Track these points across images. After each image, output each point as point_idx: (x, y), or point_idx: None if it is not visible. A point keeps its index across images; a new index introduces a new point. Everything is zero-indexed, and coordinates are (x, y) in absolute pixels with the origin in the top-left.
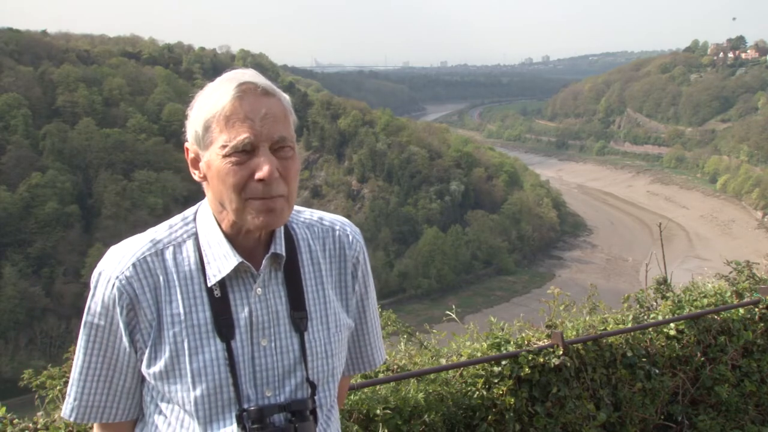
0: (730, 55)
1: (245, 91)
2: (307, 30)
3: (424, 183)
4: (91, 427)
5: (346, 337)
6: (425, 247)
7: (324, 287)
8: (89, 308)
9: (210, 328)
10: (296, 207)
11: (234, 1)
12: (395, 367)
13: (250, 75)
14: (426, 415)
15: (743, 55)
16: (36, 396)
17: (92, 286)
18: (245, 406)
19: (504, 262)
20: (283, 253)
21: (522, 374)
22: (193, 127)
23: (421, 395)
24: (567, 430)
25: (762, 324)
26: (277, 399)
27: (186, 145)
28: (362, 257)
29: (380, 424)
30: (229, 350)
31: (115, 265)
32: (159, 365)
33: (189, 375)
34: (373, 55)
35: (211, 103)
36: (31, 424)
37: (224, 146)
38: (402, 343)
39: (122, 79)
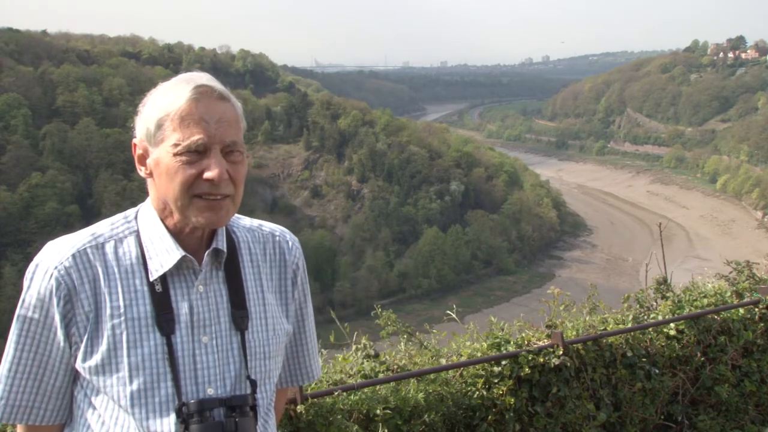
0: (730, 55)
1: (202, 93)
2: (307, 30)
3: (424, 183)
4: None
5: (283, 342)
6: (425, 247)
7: (264, 290)
8: (23, 301)
9: (150, 322)
10: (237, 215)
11: (234, 1)
12: (395, 367)
13: (206, 78)
14: (426, 415)
15: (743, 55)
16: None
17: (28, 278)
18: (185, 400)
19: (504, 262)
20: (224, 249)
21: (522, 374)
22: (144, 123)
23: (421, 395)
24: (567, 430)
25: (762, 324)
26: (218, 396)
27: (134, 140)
28: (301, 264)
29: (380, 424)
30: (170, 345)
31: (53, 256)
32: (95, 358)
33: (126, 368)
34: (373, 55)
35: (166, 101)
36: None
37: (176, 145)
38: (402, 343)
39: (122, 79)
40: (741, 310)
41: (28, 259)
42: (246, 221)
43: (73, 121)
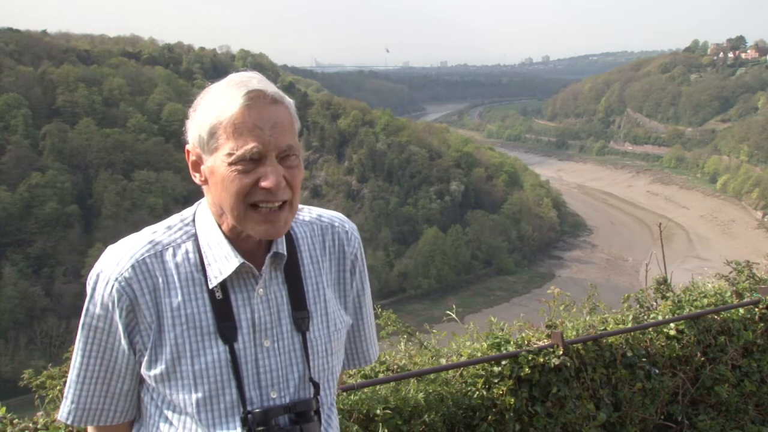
0: (730, 55)
1: (254, 98)
2: (307, 30)
3: (424, 183)
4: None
5: (344, 336)
6: (425, 247)
7: (324, 286)
8: (87, 310)
9: (212, 330)
10: None
11: (234, 1)
12: (395, 367)
13: (257, 81)
14: (426, 415)
15: (743, 55)
16: (36, 396)
17: (90, 287)
18: (249, 408)
19: (504, 262)
20: (285, 253)
21: (522, 374)
22: (197, 130)
23: (421, 395)
24: (567, 430)
25: (762, 324)
26: (282, 400)
27: (187, 147)
28: (360, 254)
29: (380, 424)
30: (232, 352)
31: (113, 267)
32: (159, 367)
33: (191, 377)
34: (373, 55)
35: (218, 108)
36: (31, 424)
37: (230, 154)
38: (402, 343)
39: (122, 79)
40: (741, 310)
41: (29, 259)
42: (305, 213)
43: (73, 121)
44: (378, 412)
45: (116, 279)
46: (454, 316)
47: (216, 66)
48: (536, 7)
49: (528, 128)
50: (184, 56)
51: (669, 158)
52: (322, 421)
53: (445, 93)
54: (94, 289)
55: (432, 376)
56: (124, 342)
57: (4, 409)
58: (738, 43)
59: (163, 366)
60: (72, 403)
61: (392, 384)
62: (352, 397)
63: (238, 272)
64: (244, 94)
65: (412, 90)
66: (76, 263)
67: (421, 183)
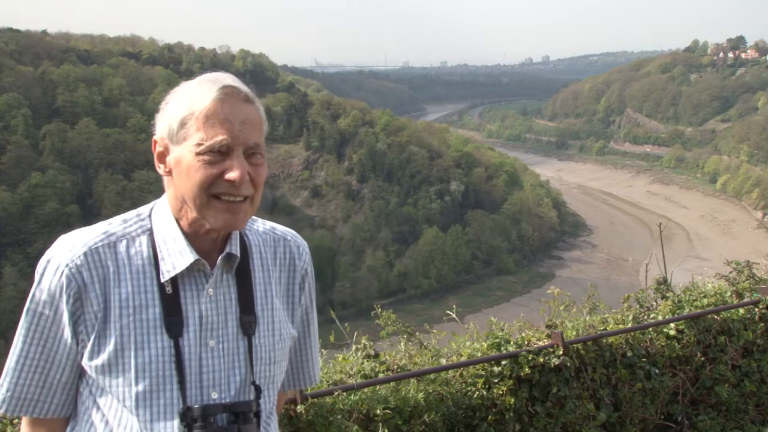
0: (730, 55)
1: (228, 94)
2: (307, 30)
3: (424, 183)
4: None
5: (288, 347)
6: (425, 247)
7: (272, 294)
8: (33, 296)
9: (159, 324)
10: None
11: (234, 1)
12: (395, 367)
13: (231, 79)
14: (426, 415)
15: (743, 55)
16: None
17: (39, 273)
18: (189, 404)
19: (504, 262)
20: (238, 254)
21: (522, 374)
22: (167, 122)
23: (421, 395)
24: (567, 430)
25: (762, 324)
26: (223, 400)
27: (155, 137)
28: (310, 270)
29: (380, 424)
30: (177, 348)
31: (65, 253)
32: (102, 358)
33: (132, 369)
34: (373, 55)
35: (190, 100)
36: None
37: (199, 144)
38: (402, 343)
39: (122, 79)
40: (741, 310)
41: (29, 259)
42: (259, 224)
43: (73, 121)
44: (378, 412)
45: (67, 265)
46: (454, 316)
47: (216, 66)
48: (536, 7)
49: (528, 128)
50: (184, 56)
51: (669, 158)
52: (261, 424)
53: (445, 93)
54: (42, 275)
55: (432, 376)
56: (67, 330)
57: None
58: (738, 43)
59: (106, 356)
60: (8, 391)
61: (392, 384)
62: (352, 397)
63: (190, 269)
64: (218, 89)
65: (412, 90)
66: None
67: (421, 183)
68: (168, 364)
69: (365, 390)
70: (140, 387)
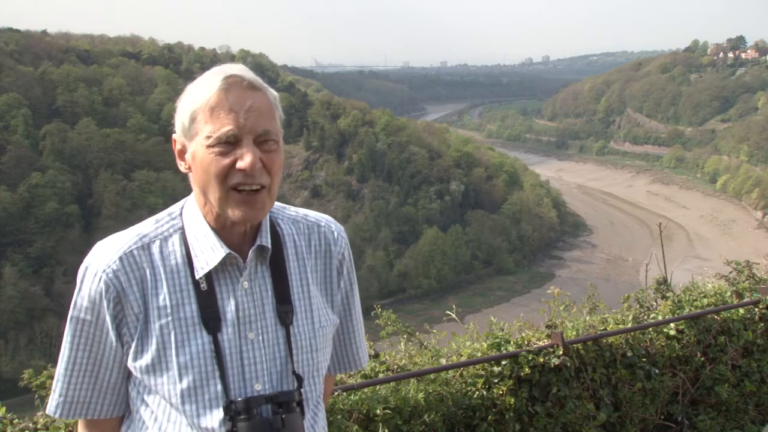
0: (730, 55)
1: (231, 83)
2: (307, 30)
3: (424, 183)
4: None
5: (330, 334)
6: (425, 247)
7: (308, 283)
8: (75, 303)
9: (197, 321)
10: (281, 204)
11: (234, 1)
12: (395, 367)
13: (237, 69)
14: (426, 415)
15: (743, 55)
16: (36, 396)
17: (78, 281)
18: (233, 398)
19: (504, 262)
20: (269, 246)
21: (522, 374)
22: (180, 118)
23: (421, 395)
24: (567, 430)
25: (762, 324)
26: (265, 391)
27: (174, 136)
28: (347, 254)
29: (380, 424)
30: (216, 343)
31: (101, 259)
32: (145, 358)
33: (175, 368)
34: (373, 55)
35: (197, 94)
36: (31, 424)
37: (209, 137)
38: (402, 343)
39: (122, 79)
40: (741, 310)
41: (29, 259)
42: (291, 211)
43: (73, 121)
44: (378, 412)
45: (104, 271)
46: (454, 316)
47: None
48: (536, 7)
49: (528, 128)
50: (184, 56)
51: (669, 158)
52: (308, 416)
53: (445, 93)
54: (82, 281)
55: (432, 376)
56: (112, 333)
57: (3, 409)
58: (738, 43)
59: (149, 357)
60: (60, 396)
61: (392, 384)
62: (352, 397)
63: (223, 264)
64: (222, 79)
65: (412, 90)
66: (76, 263)
67: (421, 183)
68: (209, 360)
69: (365, 390)
70: (184, 384)
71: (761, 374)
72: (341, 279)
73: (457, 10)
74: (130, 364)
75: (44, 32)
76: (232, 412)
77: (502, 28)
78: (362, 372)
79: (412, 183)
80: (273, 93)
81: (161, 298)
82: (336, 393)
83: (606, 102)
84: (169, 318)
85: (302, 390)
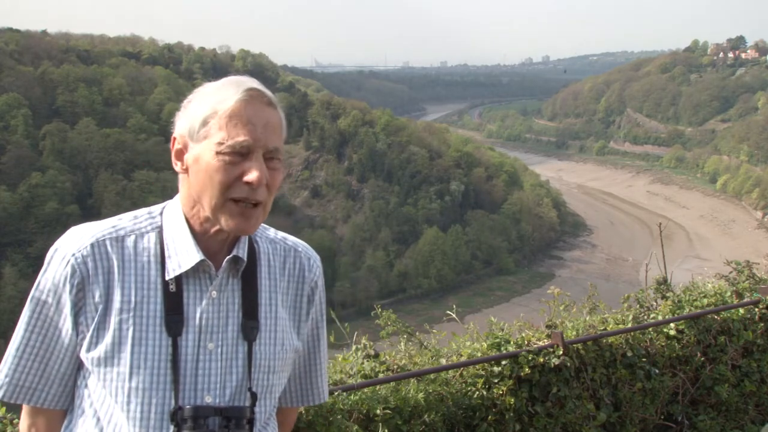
0: (730, 55)
1: (253, 96)
2: (307, 30)
3: (424, 183)
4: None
5: (291, 359)
6: (425, 247)
7: (278, 303)
8: (38, 283)
9: (159, 321)
10: (264, 225)
11: (234, 1)
12: (395, 367)
13: (256, 83)
14: (426, 415)
15: (743, 55)
16: None
17: (46, 261)
18: (181, 405)
19: (504, 262)
20: (245, 258)
21: (522, 374)
22: (188, 120)
23: (421, 395)
24: (567, 430)
25: (762, 324)
26: (215, 404)
27: (174, 134)
28: (320, 284)
29: (380, 424)
30: (175, 347)
31: (73, 244)
32: (99, 350)
33: (128, 364)
34: (373, 55)
35: (215, 100)
36: None
37: (221, 143)
38: (402, 343)
39: (122, 79)
40: (741, 310)
41: (29, 259)
42: (271, 232)
43: (73, 121)
44: (378, 412)
45: (73, 255)
46: (454, 316)
47: (216, 66)
48: (536, 7)
49: (528, 128)
50: (184, 56)
51: (669, 158)
52: None
53: (445, 93)
54: (49, 263)
55: (432, 376)
56: (69, 320)
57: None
58: (738, 43)
59: (103, 349)
60: (6, 377)
61: (392, 384)
62: (352, 397)
63: (195, 270)
64: (244, 90)
65: (412, 90)
66: None
67: (421, 183)
68: (164, 363)
69: (365, 390)
70: (134, 383)
71: (761, 374)
72: (311, 307)
73: (457, 10)
74: (82, 354)
75: (44, 32)
76: (178, 419)
77: (502, 28)
78: (362, 372)
79: (412, 183)
80: (283, 114)
81: (126, 292)
82: (336, 393)
83: (606, 102)
84: (131, 313)
85: (254, 408)
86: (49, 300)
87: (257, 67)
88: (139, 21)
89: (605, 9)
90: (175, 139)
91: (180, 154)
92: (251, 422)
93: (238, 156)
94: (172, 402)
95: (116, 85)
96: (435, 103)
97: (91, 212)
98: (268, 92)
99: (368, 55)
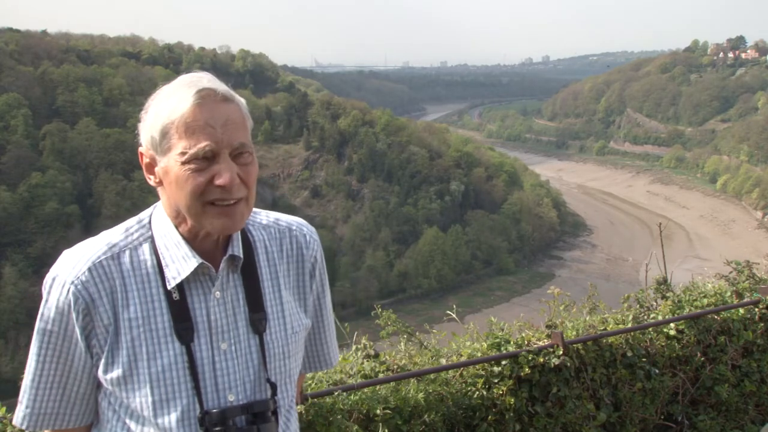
0: (730, 55)
1: (205, 97)
2: (307, 30)
3: (424, 183)
4: None
5: (303, 338)
6: (425, 247)
7: (281, 288)
8: (42, 315)
9: (168, 332)
10: (254, 209)
11: (234, 1)
12: (395, 367)
13: (208, 80)
14: (426, 415)
15: (743, 55)
16: None
17: (45, 291)
18: (207, 409)
19: (504, 262)
20: (241, 255)
21: (522, 374)
22: (148, 132)
23: (421, 395)
24: (567, 430)
25: (762, 324)
26: (239, 402)
27: (140, 149)
28: (319, 256)
29: (380, 424)
30: (189, 353)
31: (70, 270)
32: (116, 371)
33: (147, 379)
34: (373, 55)
35: (169, 108)
36: None
37: (183, 153)
38: (402, 343)
39: (122, 79)
40: (741, 310)
41: (29, 259)
42: (262, 217)
43: (73, 121)
44: (378, 412)
45: (72, 282)
46: (454, 316)
47: (216, 66)
48: (536, 7)
49: (528, 128)
50: (184, 56)
51: (669, 158)
52: (281, 422)
53: (445, 93)
54: (49, 292)
55: (432, 376)
56: (81, 345)
57: (4, 409)
58: (738, 43)
59: (120, 369)
60: (27, 407)
61: (392, 384)
62: (352, 397)
63: (195, 273)
64: (194, 93)
65: (412, 90)
66: None
67: (421, 183)
68: (182, 371)
69: (365, 390)
70: (156, 396)
71: (761, 374)
72: (313, 282)
73: (457, 10)
74: (100, 376)
75: (44, 32)
76: (207, 424)
77: (502, 28)
78: (362, 372)
79: (412, 183)
80: (243, 102)
81: (132, 309)
82: (336, 393)
83: (606, 102)
84: (141, 330)
85: (276, 397)
86: (56, 329)
87: (257, 67)
88: (139, 21)
89: (605, 9)
90: (141, 154)
91: (150, 168)
92: (275, 413)
93: (204, 161)
94: (197, 407)
95: (116, 85)
96: (435, 103)
97: (91, 212)
98: (222, 87)
99: (368, 55)
